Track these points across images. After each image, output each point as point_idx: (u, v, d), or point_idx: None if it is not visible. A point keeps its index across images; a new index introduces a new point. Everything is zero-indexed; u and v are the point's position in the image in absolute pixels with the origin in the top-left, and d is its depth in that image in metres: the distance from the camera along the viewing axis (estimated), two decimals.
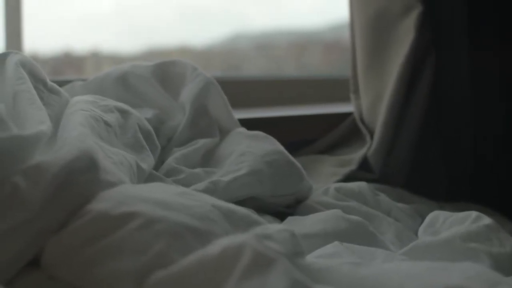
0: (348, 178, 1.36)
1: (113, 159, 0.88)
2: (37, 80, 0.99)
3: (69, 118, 0.94)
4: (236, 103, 1.27)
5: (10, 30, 1.48)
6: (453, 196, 1.42)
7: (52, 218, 0.70)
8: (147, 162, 0.99)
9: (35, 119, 0.85)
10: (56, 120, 0.94)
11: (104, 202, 0.72)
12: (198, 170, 1.06)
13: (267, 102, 1.67)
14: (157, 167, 1.06)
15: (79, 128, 0.90)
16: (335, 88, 1.78)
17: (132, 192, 0.75)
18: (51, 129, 0.85)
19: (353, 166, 1.40)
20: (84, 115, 0.94)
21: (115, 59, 1.79)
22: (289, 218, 1.06)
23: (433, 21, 1.44)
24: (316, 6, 2.11)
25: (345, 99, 1.59)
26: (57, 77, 1.44)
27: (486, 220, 1.01)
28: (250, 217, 0.78)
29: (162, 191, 0.78)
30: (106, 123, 0.97)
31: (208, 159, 1.13)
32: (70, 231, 0.69)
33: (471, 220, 1.03)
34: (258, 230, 0.69)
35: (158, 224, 0.68)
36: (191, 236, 0.69)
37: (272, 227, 0.73)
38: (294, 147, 1.29)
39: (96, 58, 1.77)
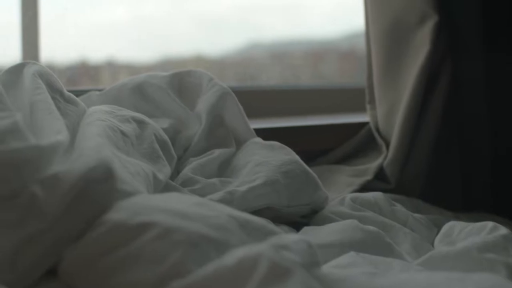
0: (364, 188, 1.35)
1: (130, 169, 0.89)
2: (54, 90, 0.99)
3: (86, 128, 0.95)
4: (252, 113, 1.27)
5: (27, 40, 1.49)
6: (469, 206, 1.42)
7: (70, 227, 0.71)
8: (164, 172, 0.99)
9: (53, 129, 0.86)
10: (73, 130, 0.95)
11: (121, 212, 0.72)
12: (214, 180, 1.06)
13: (283, 112, 1.66)
14: (173, 177, 1.07)
15: (96, 138, 0.90)
16: (350, 98, 1.77)
17: (149, 202, 0.76)
18: (68, 139, 0.85)
19: (369, 176, 1.40)
20: (101, 125, 0.95)
21: (130, 68, 1.79)
22: (305, 228, 1.05)
23: (449, 30, 1.44)
24: (331, 16, 2.11)
25: (360, 108, 1.59)
26: (73, 87, 1.45)
27: (503, 230, 1.01)
28: (266, 227, 0.78)
29: (178, 201, 0.78)
30: (123, 133, 0.97)
31: (224, 169, 1.13)
32: (88, 241, 0.70)
33: (488, 230, 1.02)
34: (274, 240, 0.69)
35: (175, 234, 0.68)
36: (208, 246, 0.69)
37: (289, 237, 0.73)
38: (310, 157, 1.29)
39: (112, 67, 1.78)
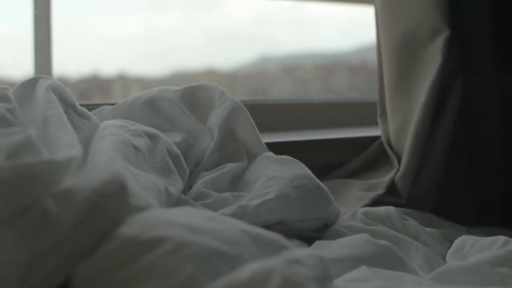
0: (375, 202, 1.35)
1: (142, 183, 0.89)
2: (67, 105, 1.00)
3: (98, 143, 0.95)
4: (264, 127, 1.27)
5: (39, 54, 1.50)
6: (481, 220, 1.41)
7: (82, 241, 0.71)
8: (176, 186, 1.00)
9: (66, 143, 0.86)
10: (86, 144, 0.95)
11: (133, 227, 0.72)
12: (226, 194, 1.06)
13: (295, 126, 1.67)
14: (185, 191, 1.07)
15: (109, 153, 0.91)
16: (362, 112, 1.77)
17: (161, 217, 0.76)
18: (81, 153, 0.86)
19: (380, 190, 1.40)
20: (114, 140, 0.95)
21: (142, 81, 1.80)
22: (317, 243, 1.05)
23: (460, 44, 1.44)
24: (342, 29, 2.12)
25: (372, 122, 1.59)
26: (85, 100, 1.46)
27: None
28: (278, 242, 0.78)
29: (190, 215, 0.78)
30: (135, 147, 0.98)
31: (236, 183, 1.13)
32: (100, 255, 0.70)
33: (499, 244, 1.02)
34: (287, 255, 0.69)
35: (186, 249, 0.68)
36: (219, 260, 0.69)
37: (301, 251, 0.73)
38: (321, 171, 1.29)
39: (124, 80, 1.78)
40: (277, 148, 1.22)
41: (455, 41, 1.41)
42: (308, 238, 1.09)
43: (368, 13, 1.68)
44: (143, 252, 0.69)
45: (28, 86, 1.01)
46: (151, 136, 1.05)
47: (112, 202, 0.73)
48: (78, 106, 1.04)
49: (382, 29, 1.49)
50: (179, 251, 0.68)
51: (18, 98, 0.98)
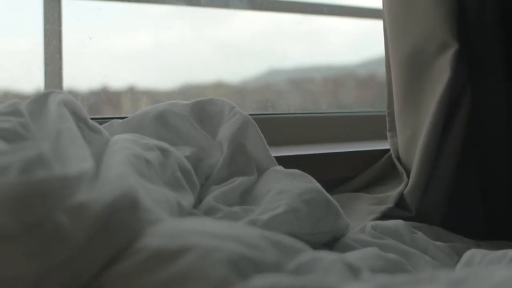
0: (384, 216, 1.35)
1: (154, 197, 0.89)
2: (79, 119, 1.01)
3: (110, 157, 0.96)
4: (273, 141, 1.28)
5: (50, 68, 1.51)
6: (491, 234, 1.41)
7: (95, 256, 0.71)
8: (187, 200, 1.00)
9: (78, 158, 0.87)
10: (98, 158, 0.95)
11: (157, 238, 0.73)
12: (236, 208, 1.07)
13: (304, 140, 1.67)
14: (195, 205, 1.07)
15: (121, 167, 0.91)
16: (371, 125, 1.78)
17: (182, 226, 0.77)
18: (94, 168, 0.86)
19: (389, 204, 1.40)
20: (126, 153, 0.96)
21: (151, 94, 1.81)
22: None
23: (469, 57, 1.44)
24: (350, 43, 2.12)
25: (380, 136, 1.59)
26: (94, 114, 1.46)
27: None
28: (296, 246, 0.80)
29: (210, 225, 0.80)
30: (147, 161, 0.98)
31: (245, 197, 1.14)
32: (128, 269, 0.70)
33: (509, 258, 1.02)
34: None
35: (215, 254, 0.70)
36: (246, 264, 0.70)
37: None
38: (331, 185, 1.29)
39: (133, 93, 1.79)
40: (286, 162, 1.23)
41: (463, 55, 1.41)
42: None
43: (376, 26, 1.69)
44: (173, 261, 0.70)
45: (40, 100, 1.02)
46: (162, 150, 1.06)
47: (124, 216, 0.74)
48: (90, 120, 1.05)
49: (391, 43, 1.50)
50: (207, 257, 0.70)
51: (30, 112, 0.98)
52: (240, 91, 1.97)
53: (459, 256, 1.14)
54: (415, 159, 1.43)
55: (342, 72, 2.21)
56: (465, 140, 1.44)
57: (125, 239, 0.73)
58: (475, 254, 1.09)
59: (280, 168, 1.20)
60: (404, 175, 1.46)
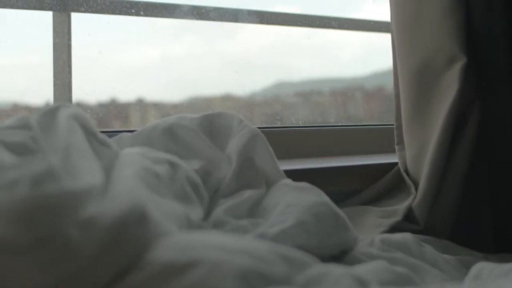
0: (393, 229, 1.35)
1: (163, 210, 0.89)
2: (88, 133, 1.01)
3: (120, 170, 0.96)
4: (282, 154, 1.28)
5: (59, 82, 1.51)
6: (499, 247, 1.41)
7: (104, 269, 0.71)
8: (196, 213, 1.00)
9: (88, 171, 0.87)
10: (108, 171, 0.96)
11: (166, 251, 0.74)
12: (244, 221, 1.07)
13: (312, 153, 1.67)
14: (204, 218, 1.07)
15: (130, 180, 0.91)
16: (379, 138, 1.78)
17: (192, 240, 0.77)
18: (103, 181, 0.86)
19: (398, 217, 1.40)
20: (135, 167, 0.96)
21: (159, 106, 1.81)
22: None
23: (477, 71, 1.44)
24: (359, 56, 2.13)
25: (389, 149, 1.60)
26: (103, 127, 1.47)
27: None
28: (305, 259, 0.80)
29: (218, 238, 0.80)
30: (156, 174, 0.98)
31: (254, 210, 1.14)
32: (138, 281, 0.71)
33: None
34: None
35: (223, 268, 0.70)
36: (255, 278, 0.71)
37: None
38: (339, 198, 1.29)
39: (141, 105, 1.80)
40: (295, 175, 1.23)
41: (471, 69, 1.42)
42: None
43: (385, 39, 1.69)
44: (183, 274, 0.70)
45: (50, 114, 1.02)
46: (171, 164, 1.06)
47: (134, 230, 0.74)
48: (99, 134, 1.05)
49: (399, 56, 1.50)
50: (217, 270, 0.70)
51: (40, 126, 0.99)
52: (249, 104, 1.97)
53: (468, 269, 1.14)
54: (423, 172, 1.43)
55: (350, 85, 2.21)
56: (473, 153, 1.44)
57: (134, 252, 0.74)
58: (483, 267, 1.08)
59: (288, 181, 1.20)
60: (413, 188, 1.46)
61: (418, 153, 1.46)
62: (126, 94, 1.72)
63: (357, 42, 2.11)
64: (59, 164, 0.82)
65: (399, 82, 1.52)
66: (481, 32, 1.46)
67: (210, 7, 1.72)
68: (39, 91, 1.55)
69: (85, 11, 1.55)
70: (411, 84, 1.47)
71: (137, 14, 1.63)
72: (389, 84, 1.61)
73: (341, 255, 1.14)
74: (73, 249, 0.70)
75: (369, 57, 2.13)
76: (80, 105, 1.55)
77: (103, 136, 1.06)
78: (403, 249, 1.17)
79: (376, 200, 1.50)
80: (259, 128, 1.25)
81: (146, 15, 1.65)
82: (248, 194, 1.14)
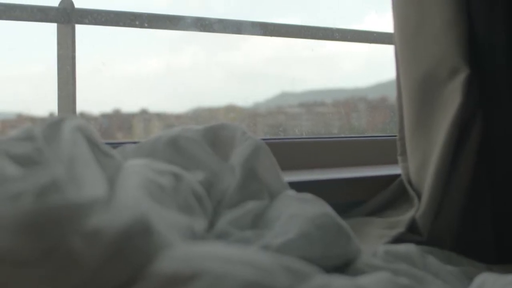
0: (396, 240, 1.35)
1: (167, 221, 0.90)
2: (92, 144, 1.01)
3: (124, 181, 0.96)
4: (285, 165, 1.28)
5: (63, 93, 1.52)
6: (502, 258, 1.41)
7: (108, 281, 0.72)
8: (199, 224, 1.00)
9: (92, 182, 0.87)
10: (111, 183, 0.96)
11: (170, 263, 0.74)
12: (247, 233, 1.07)
13: (315, 164, 1.68)
14: (207, 229, 1.07)
15: (134, 191, 0.92)
16: (382, 149, 1.78)
17: (195, 251, 0.78)
18: (107, 192, 0.87)
19: (401, 228, 1.40)
20: (139, 178, 0.96)
21: (163, 117, 1.81)
22: None
23: (480, 82, 1.44)
24: (362, 67, 2.13)
25: (392, 160, 1.60)
26: (106, 139, 1.47)
27: None
28: (308, 270, 0.80)
29: (222, 249, 0.80)
30: (160, 186, 0.98)
31: (257, 221, 1.14)
32: None
33: None
34: None
35: (225, 282, 0.70)
36: None
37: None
38: (342, 209, 1.29)
39: (144, 116, 1.80)
40: (298, 187, 1.23)
41: (474, 80, 1.42)
42: None
43: (388, 50, 1.69)
44: (187, 286, 0.71)
45: (55, 125, 1.02)
46: (175, 175, 1.06)
47: (138, 242, 0.74)
48: (103, 145, 1.06)
49: (402, 68, 1.50)
50: (219, 282, 0.70)
51: (45, 137, 0.99)
52: (252, 114, 1.98)
53: (471, 280, 1.14)
54: (426, 183, 1.43)
55: (354, 96, 2.21)
56: (476, 164, 1.44)
57: (138, 264, 0.74)
58: (487, 279, 1.09)
59: (292, 192, 1.20)
60: (416, 199, 1.46)
61: (421, 164, 1.46)
62: (130, 105, 1.72)
63: (360, 53, 2.11)
64: (63, 176, 0.82)
65: (402, 93, 1.52)
66: (484, 44, 1.47)
67: (214, 19, 1.72)
68: (43, 102, 1.55)
69: (89, 23, 1.56)
70: (414, 96, 1.47)
71: (141, 26, 1.63)
72: (393, 94, 1.61)
73: (344, 266, 1.14)
74: (77, 260, 0.70)
75: (372, 68, 2.13)
76: (83, 116, 1.56)
77: (107, 147, 1.06)
78: (407, 260, 1.17)
79: (379, 211, 1.50)
80: (263, 139, 1.25)
81: (150, 27, 1.66)
82: (251, 205, 1.14)
